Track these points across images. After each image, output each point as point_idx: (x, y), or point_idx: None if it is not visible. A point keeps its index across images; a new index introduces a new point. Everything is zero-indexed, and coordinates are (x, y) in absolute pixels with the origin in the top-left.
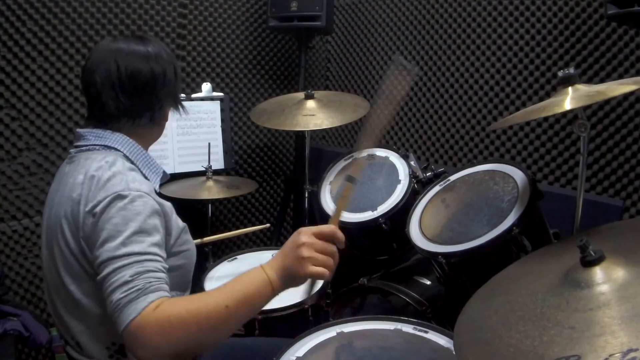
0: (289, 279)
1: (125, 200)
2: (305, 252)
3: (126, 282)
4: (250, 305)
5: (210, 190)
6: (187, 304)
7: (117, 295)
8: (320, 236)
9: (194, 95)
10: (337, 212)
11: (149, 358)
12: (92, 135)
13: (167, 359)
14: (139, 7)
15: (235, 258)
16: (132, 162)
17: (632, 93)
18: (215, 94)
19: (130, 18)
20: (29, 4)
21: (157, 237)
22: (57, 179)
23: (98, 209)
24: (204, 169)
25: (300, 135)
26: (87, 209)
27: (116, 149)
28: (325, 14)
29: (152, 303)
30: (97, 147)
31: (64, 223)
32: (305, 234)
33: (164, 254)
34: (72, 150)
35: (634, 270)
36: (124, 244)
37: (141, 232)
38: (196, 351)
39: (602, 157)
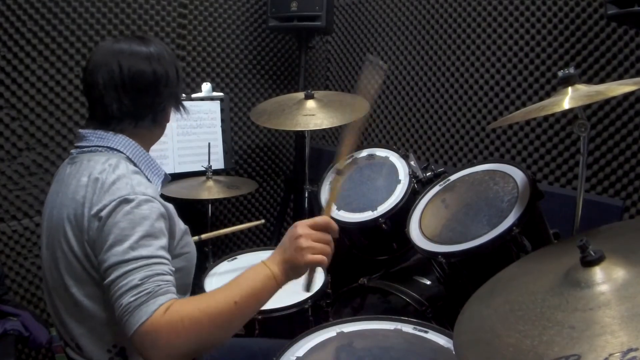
0: (291, 271)
1: (132, 204)
2: (304, 243)
3: (136, 286)
4: (257, 299)
5: (210, 190)
6: (197, 304)
7: (127, 298)
8: (315, 227)
9: (194, 95)
10: (329, 203)
11: (162, 359)
12: (94, 136)
13: (180, 359)
14: (139, 7)
15: (235, 258)
16: (134, 165)
17: (632, 93)
18: (215, 94)
19: (130, 18)
20: (29, 4)
21: (163, 241)
22: (58, 179)
23: (104, 213)
24: (204, 169)
25: (300, 135)
26: (92, 212)
27: (119, 151)
28: (325, 14)
29: (162, 306)
30: (100, 149)
31: (67, 225)
32: (302, 226)
33: (169, 257)
34: (73, 151)
35: (634, 270)
36: (132, 247)
37: (149, 236)
38: (207, 349)
39: (602, 157)
